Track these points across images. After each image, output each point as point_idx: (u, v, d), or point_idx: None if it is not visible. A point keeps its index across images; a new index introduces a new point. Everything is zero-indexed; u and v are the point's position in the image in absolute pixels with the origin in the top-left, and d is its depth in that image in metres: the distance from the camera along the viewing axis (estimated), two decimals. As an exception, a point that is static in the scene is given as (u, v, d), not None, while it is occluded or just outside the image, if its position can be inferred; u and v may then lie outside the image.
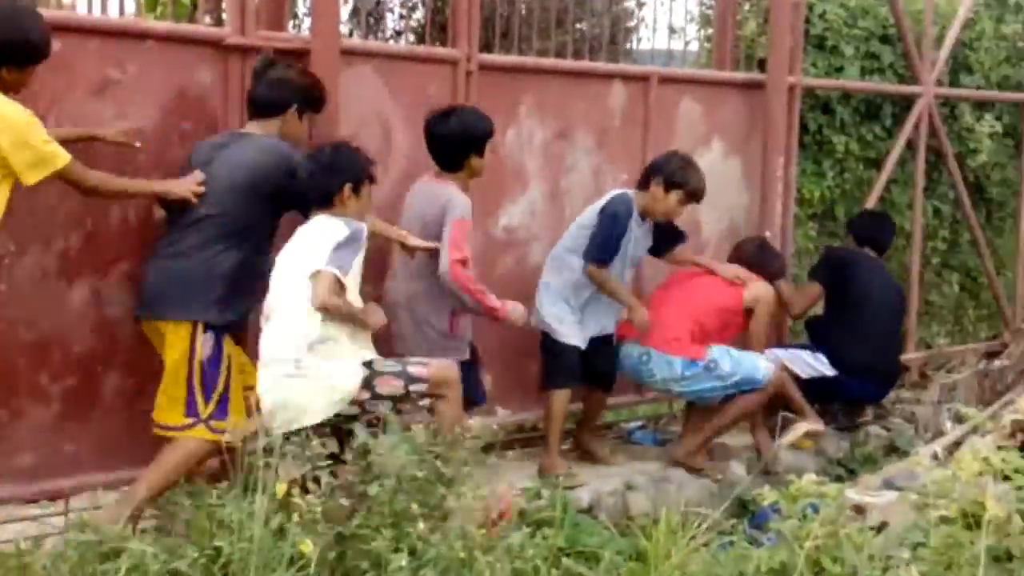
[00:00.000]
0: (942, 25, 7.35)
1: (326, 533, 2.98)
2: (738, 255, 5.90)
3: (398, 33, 7.88)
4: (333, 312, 3.93)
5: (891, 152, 7.04)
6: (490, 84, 5.24)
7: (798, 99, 6.49)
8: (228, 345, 4.20)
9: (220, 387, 4.15)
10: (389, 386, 4.03)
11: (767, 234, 6.20)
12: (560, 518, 3.83)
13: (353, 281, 4.05)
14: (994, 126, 7.63)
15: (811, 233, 6.94)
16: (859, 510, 4.40)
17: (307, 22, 5.34)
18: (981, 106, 7.68)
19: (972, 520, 3.58)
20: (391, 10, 8.33)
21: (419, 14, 8.55)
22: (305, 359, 3.94)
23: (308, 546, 2.87)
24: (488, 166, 4.85)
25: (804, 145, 6.80)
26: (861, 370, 6.14)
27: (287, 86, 4.34)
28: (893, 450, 6.21)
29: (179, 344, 4.11)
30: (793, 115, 6.47)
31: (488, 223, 5.38)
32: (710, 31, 6.92)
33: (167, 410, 4.14)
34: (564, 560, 3.45)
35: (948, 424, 6.28)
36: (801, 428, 5.82)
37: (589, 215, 5.27)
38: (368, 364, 4.05)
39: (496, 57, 5.64)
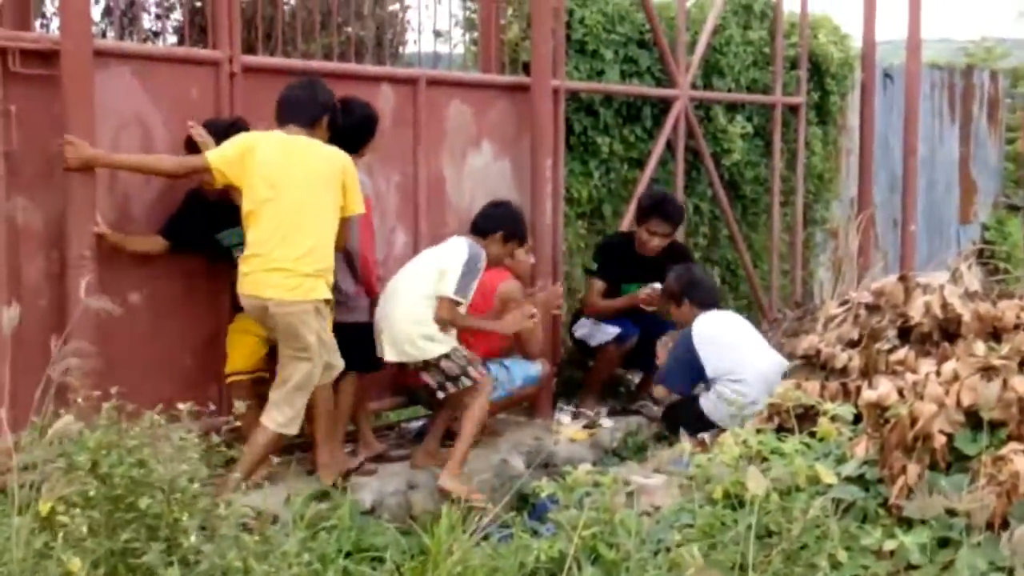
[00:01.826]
0: (694, 31, 7.69)
1: (95, 549, 2.84)
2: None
3: (156, 34, 7.60)
4: (449, 327, 5.21)
5: (652, 152, 7.32)
6: (255, 86, 5.13)
7: (563, 102, 6.66)
8: None
9: None
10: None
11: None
12: (343, 520, 3.78)
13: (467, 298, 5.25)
14: (745, 127, 8.05)
15: (581, 232, 7.13)
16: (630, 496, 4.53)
17: (56, 22, 5.08)
18: (733, 108, 8.08)
19: (736, 500, 3.75)
20: (147, 10, 8.05)
21: (177, 14, 8.29)
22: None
23: (76, 564, 2.73)
24: None
25: (571, 146, 6.98)
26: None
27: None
28: (663, 438, 6.43)
29: None
30: (559, 117, 6.62)
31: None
32: (475, 35, 7.00)
33: None
34: (343, 562, 3.40)
35: (715, 410, 6.53)
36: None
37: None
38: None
39: (260, 59, 5.52)
